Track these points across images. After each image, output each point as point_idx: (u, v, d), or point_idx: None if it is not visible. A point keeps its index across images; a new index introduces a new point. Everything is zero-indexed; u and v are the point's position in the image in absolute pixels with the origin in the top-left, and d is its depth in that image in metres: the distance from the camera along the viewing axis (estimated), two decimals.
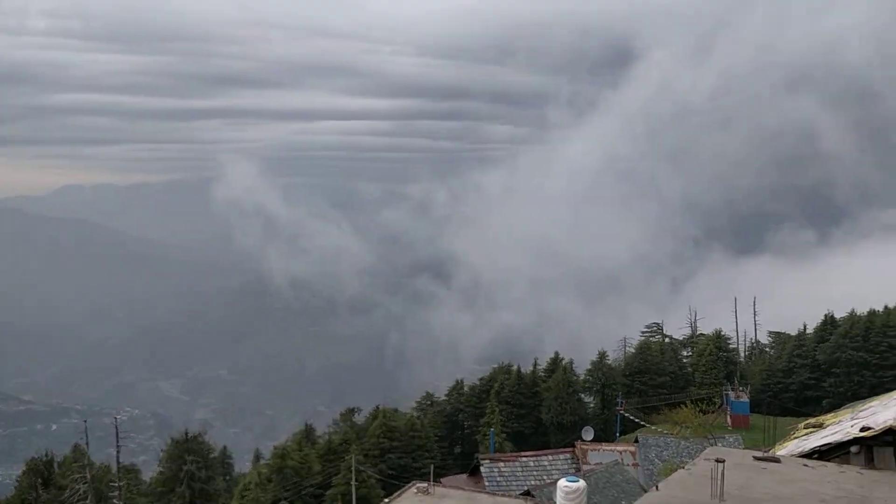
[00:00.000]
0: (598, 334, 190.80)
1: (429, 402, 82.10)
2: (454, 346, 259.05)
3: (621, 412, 72.57)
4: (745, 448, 36.03)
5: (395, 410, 76.98)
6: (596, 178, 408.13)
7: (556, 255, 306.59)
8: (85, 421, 62.01)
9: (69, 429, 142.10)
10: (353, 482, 50.35)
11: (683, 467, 20.29)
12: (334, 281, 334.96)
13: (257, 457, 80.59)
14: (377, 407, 74.34)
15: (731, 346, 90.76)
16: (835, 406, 55.91)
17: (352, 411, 77.63)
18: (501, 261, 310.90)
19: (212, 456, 64.55)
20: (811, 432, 22.42)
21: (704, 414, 49.49)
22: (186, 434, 61.78)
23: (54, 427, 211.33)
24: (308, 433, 72.02)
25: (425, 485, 20.06)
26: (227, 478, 72.60)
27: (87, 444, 52.99)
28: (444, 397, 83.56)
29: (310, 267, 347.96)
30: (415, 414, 77.91)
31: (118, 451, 48.72)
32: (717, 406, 58.16)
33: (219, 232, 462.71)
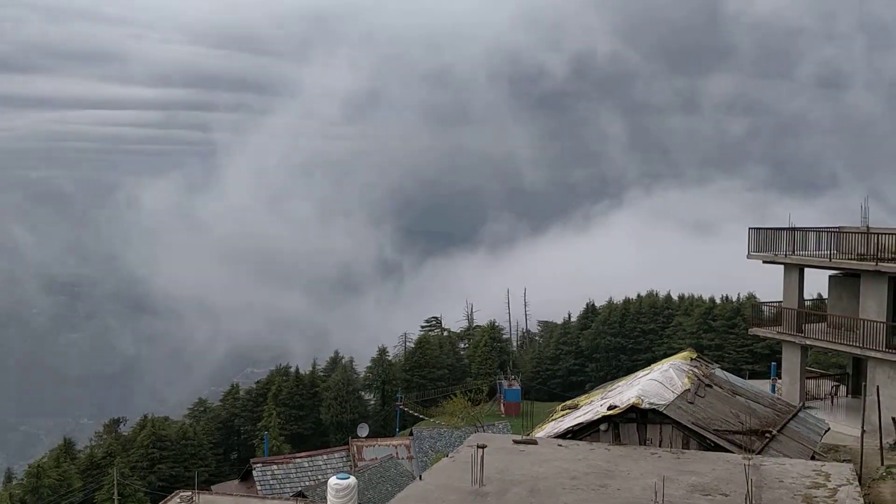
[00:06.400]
0: (342, 332, 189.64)
1: (202, 409, 78.74)
2: (196, 355, 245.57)
3: (401, 407, 73.36)
4: (513, 433, 37.38)
5: (166, 419, 73.13)
6: (291, 174, 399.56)
7: (274, 255, 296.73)
8: None
9: None
10: (115, 496, 47.05)
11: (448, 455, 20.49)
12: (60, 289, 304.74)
13: (9, 477, 73.49)
14: (145, 416, 70.20)
15: (504, 336, 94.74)
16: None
17: (116, 422, 72.83)
18: (224, 265, 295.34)
19: None
20: (567, 413, 23.46)
21: (475, 404, 50.98)
22: None
23: None
24: (67, 448, 66.63)
25: (189, 493, 19.00)
26: None
27: None
28: (218, 403, 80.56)
29: (25, 272, 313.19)
30: (187, 422, 74.39)
31: None
32: (484, 395, 60.30)
33: None
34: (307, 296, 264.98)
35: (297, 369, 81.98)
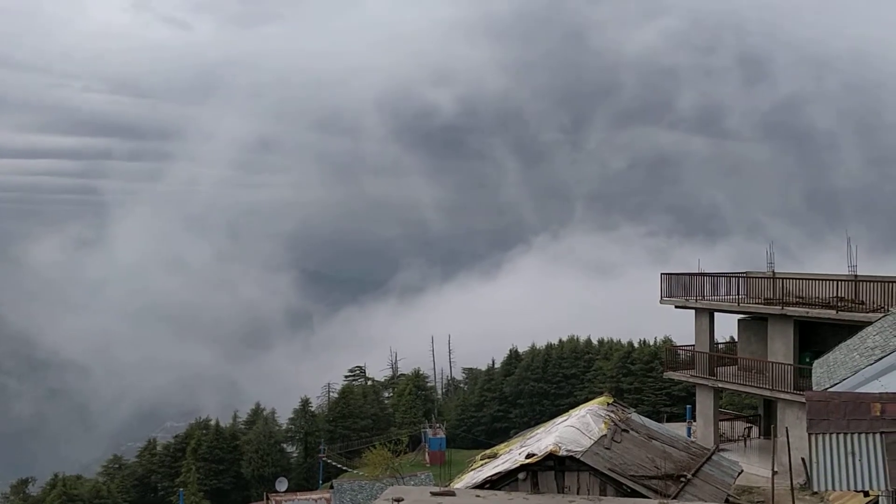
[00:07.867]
0: (254, 385, 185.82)
1: (117, 466, 76.01)
2: (101, 414, 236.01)
3: (323, 459, 72.10)
4: (436, 483, 37.15)
5: (78, 478, 70.37)
6: (197, 224, 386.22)
7: (179, 309, 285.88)
8: None
9: None
10: None
11: None
12: None
13: None
14: (55, 475, 67.38)
15: (429, 384, 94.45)
16: None
17: (24, 482, 69.67)
18: (128, 321, 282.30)
19: None
20: (486, 462, 23.49)
21: (396, 454, 50.42)
22: None
23: None
24: None
25: None
26: None
27: None
28: (134, 459, 77.93)
29: None
30: (100, 480, 71.64)
31: None
32: (404, 445, 59.65)
33: None
34: (216, 349, 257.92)
35: (217, 422, 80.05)
